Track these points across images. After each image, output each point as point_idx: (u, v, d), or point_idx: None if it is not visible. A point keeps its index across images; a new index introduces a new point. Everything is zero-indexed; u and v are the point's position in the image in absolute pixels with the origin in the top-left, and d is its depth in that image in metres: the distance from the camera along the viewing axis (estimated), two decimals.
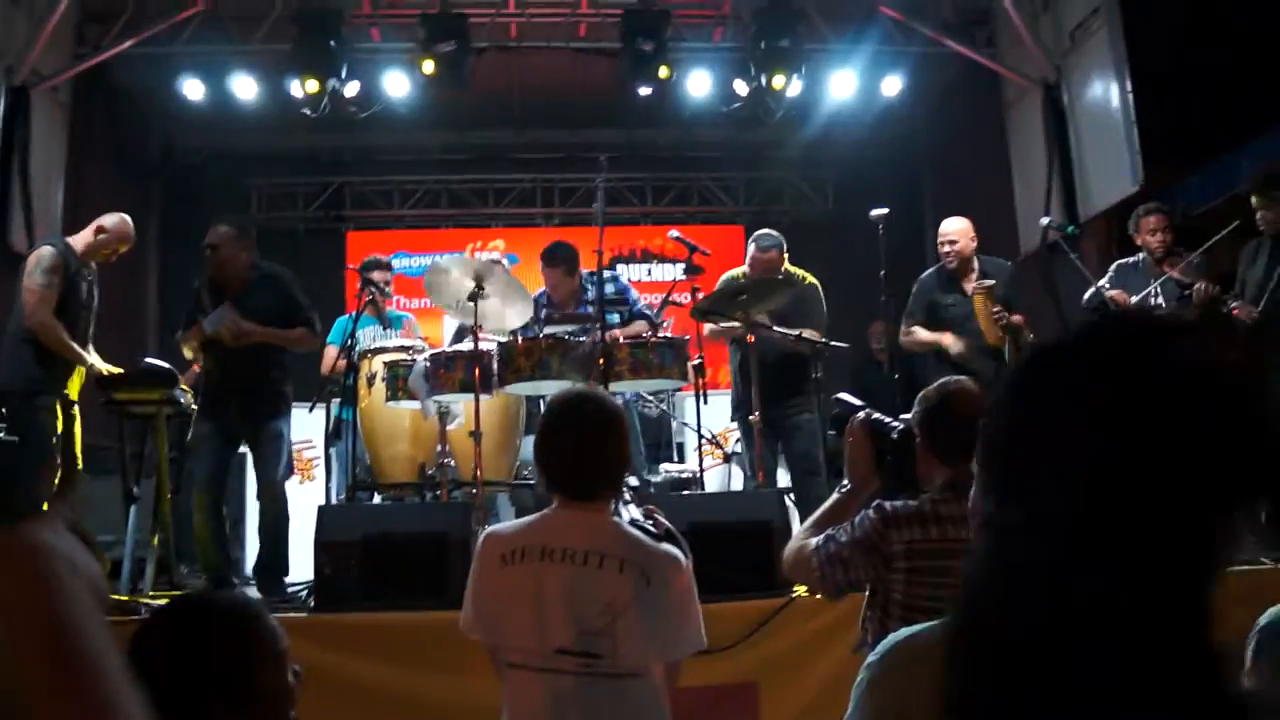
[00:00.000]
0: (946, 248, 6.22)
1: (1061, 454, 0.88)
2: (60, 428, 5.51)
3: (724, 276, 6.25)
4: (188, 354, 5.85)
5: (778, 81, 8.87)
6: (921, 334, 6.20)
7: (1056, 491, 0.87)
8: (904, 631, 1.54)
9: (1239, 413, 0.84)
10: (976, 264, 6.26)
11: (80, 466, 5.76)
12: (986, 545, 0.95)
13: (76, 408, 5.70)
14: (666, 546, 2.61)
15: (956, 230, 6.25)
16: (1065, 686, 0.83)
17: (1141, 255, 6.34)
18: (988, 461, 1.00)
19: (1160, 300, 6.04)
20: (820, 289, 6.26)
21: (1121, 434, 0.84)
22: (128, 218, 5.84)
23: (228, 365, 5.52)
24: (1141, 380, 0.86)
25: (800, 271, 6.29)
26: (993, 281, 6.00)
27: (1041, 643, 0.85)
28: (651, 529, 2.68)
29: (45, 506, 5.18)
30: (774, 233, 6.28)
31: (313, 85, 8.50)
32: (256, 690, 1.81)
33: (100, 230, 5.71)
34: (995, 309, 5.90)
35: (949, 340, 6.08)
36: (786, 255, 6.19)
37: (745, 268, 6.22)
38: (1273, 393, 0.86)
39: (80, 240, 5.69)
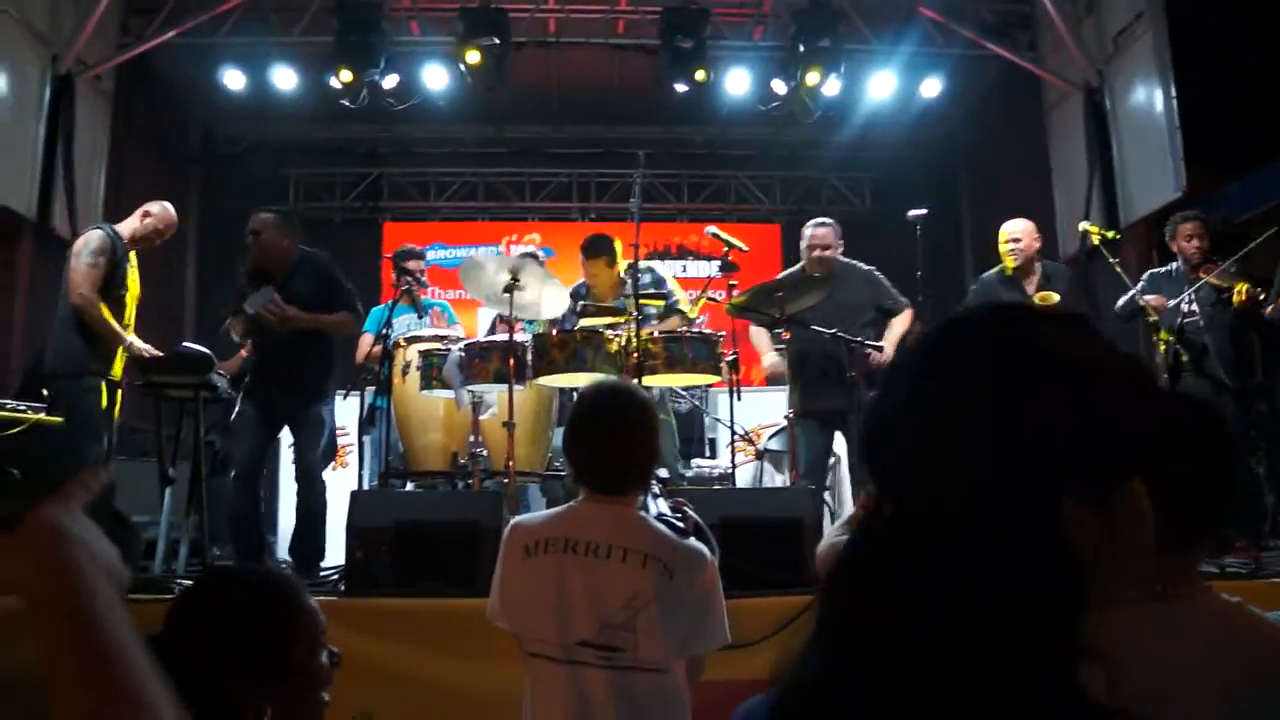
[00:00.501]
0: (1010, 246, 6.18)
1: (935, 437, 0.88)
2: (104, 408, 5.58)
3: (782, 274, 6.24)
4: (235, 338, 5.90)
5: (815, 80, 8.85)
6: None
7: (935, 475, 0.88)
8: None
9: (1090, 397, 0.86)
10: (1039, 266, 6.23)
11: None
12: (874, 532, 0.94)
13: (120, 391, 5.77)
14: (692, 541, 2.61)
15: (1021, 230, 6.22)
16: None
17: (1175, 264, 6.30)
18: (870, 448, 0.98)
19: (1194, 306, 5.99)
20: (879, 276, 6.22)
21: (990, 414, 0.86)
22: (170, 206, 5.93)
23: (272, 349, 5.58)
24: (1008, 363, 0.89)
25: (857, 263, 6.26)
26: (1057, 298, 5.96)
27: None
28: (679, 523, 2.68)
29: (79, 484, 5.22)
30: (829, 219, 6.28)
31: (347, 75, 8.55)
32: (286, 666, 1.79)
33: (146, 216, 5.80)
34: None
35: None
36: (841, 244, 6.17)
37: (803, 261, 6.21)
38: (1129, 385, 0.89)
39: (126, 227, 5.77)
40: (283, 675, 1.81)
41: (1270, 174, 7.11)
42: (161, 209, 5.86)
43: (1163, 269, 6.39)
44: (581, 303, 5.91)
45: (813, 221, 6.26)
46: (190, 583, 2.03)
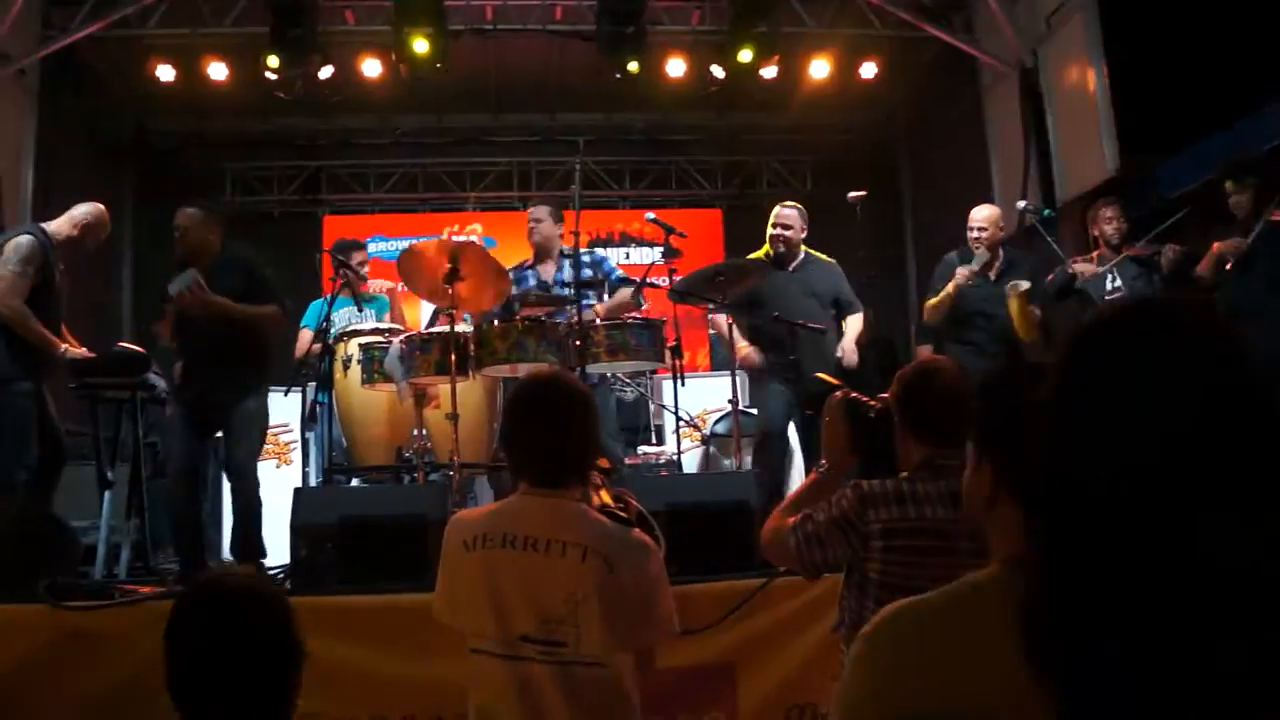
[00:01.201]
0: (976, 234, 6.22)
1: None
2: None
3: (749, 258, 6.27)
4: (163, 341, 5.77)
5: (748, 59, 8.87)
6: (936, 299, 6.21)
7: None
8: (902, 602, 1.53)
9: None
10: (1001, 252, 6.30)
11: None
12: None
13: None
14: (634, 533, 2.59)
15: (985, 218, 6.26)
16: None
17: (1095, 254, 6.37)
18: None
19: (1119, 282, 6.09)
20: (839, 269, 6.28)
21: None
22: (102, 207, 5.74)
23: (196, 347, 5.45)
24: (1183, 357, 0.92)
25: (818, 254, 6.29)
26: (1028, 285, 6.02)
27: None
28: (622, 514, 2.66)
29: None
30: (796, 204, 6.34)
31: (274, 61, 8.39)
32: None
33: (76, 223, 5.60)
34: (1030, 307, 5.95)
35: (958, 272, 6.10)
36: (805, 229, 6.21)
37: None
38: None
39: (56, 229, 5.59)
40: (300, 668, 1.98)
41: (1202, 151, 7.20)
42: (90, 211, 5.65)
43: (1083, 258, 6.49)
44: (524, 291, 5.87)
45: (783, 204, 6.33)
46: (189, 591, 2.10)
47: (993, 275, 6.20)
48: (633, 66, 8.79)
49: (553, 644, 2.41)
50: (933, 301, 6.21)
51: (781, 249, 6.08)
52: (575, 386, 2.73)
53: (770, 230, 6.16)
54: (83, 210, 5.66)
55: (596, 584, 2.43)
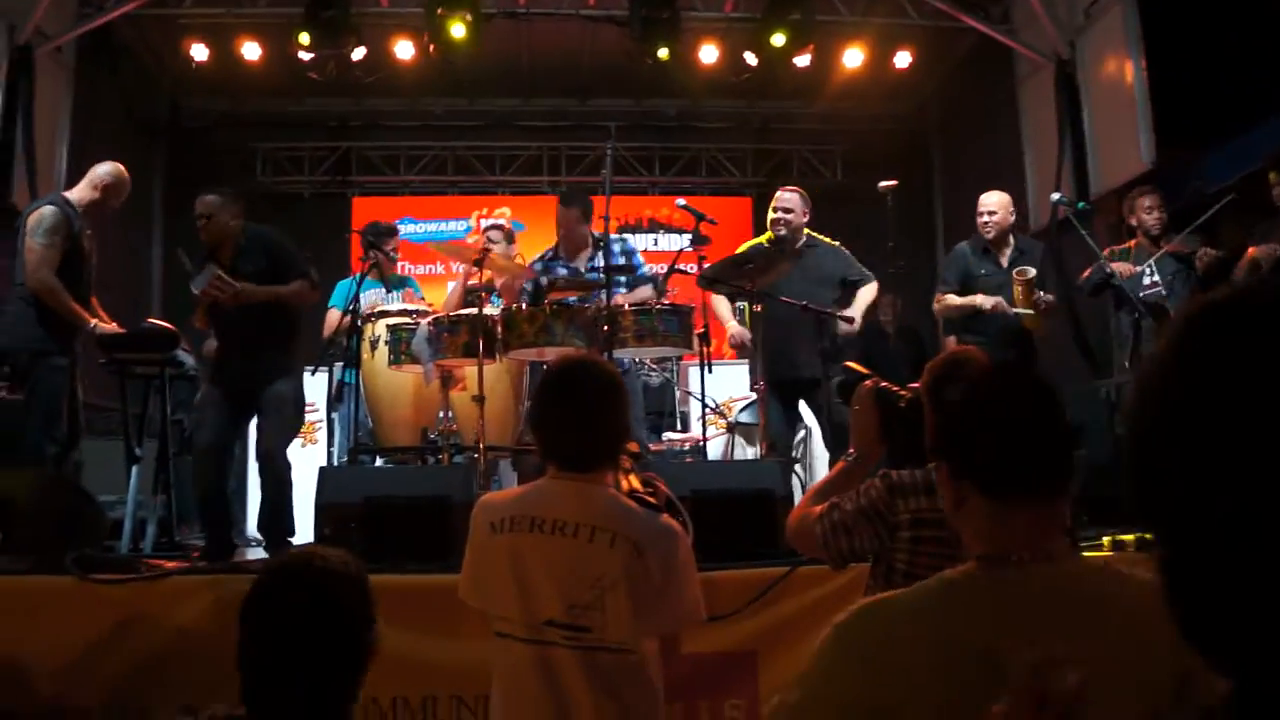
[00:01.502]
0: (986, 218, 6.22)
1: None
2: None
3: (745, 245, 6.22)
4: (200, 325, 5.79)
5: (781, 42, 8.81)
6: (953, 299, 6.18)
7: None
8: (878, 596, 1.55)
9: None
10: (1013, 239, 6.25)
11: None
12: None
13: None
14: (663, 519, 2.56)
15: (996, 202, 6.26)
16: None
17: (1133, 242, 6.32)
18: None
19: (1156, 278, 6.03)
20: (846, 252, 6.21)
21: None
22: (120, 166, 5.74)
23: (229, 330, 5.48)
24: None
25: (821, 237, 6.25)
26: (1034, 273, 5.97)
27: None
28: (651, 500, 2.64)
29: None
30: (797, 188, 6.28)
31: (305, 39, 8.38)
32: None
33: (96, 184, 5.63)
34: (1036, 294, 5.90)
35: (981, 299, 6.06)
36: (807, 213, 6.15)
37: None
38: None
39: (79, 195, 5.61)
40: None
41: (1241, 146, 7.10)
42: (109, 170, 5.66)
43: (1120, 246, 6.43)
44: (549, 278, 5.86)
45: (783, 188, 6.28)
46: (274, 568, 2.14)
47: (1004, 261, 6.15)
48: (664, 52, 8.74)
49: (578, 629, 2.39)
50: (956, 302, 6.15)
51: (783, 232, 6.02)
52: (607, 370, 2.70)
53: (771, 214, 6.11)
54: (102, 170, 5.67)
55: (624, 569, 2.41)
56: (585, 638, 2.39)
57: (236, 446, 5.70)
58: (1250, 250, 5.60)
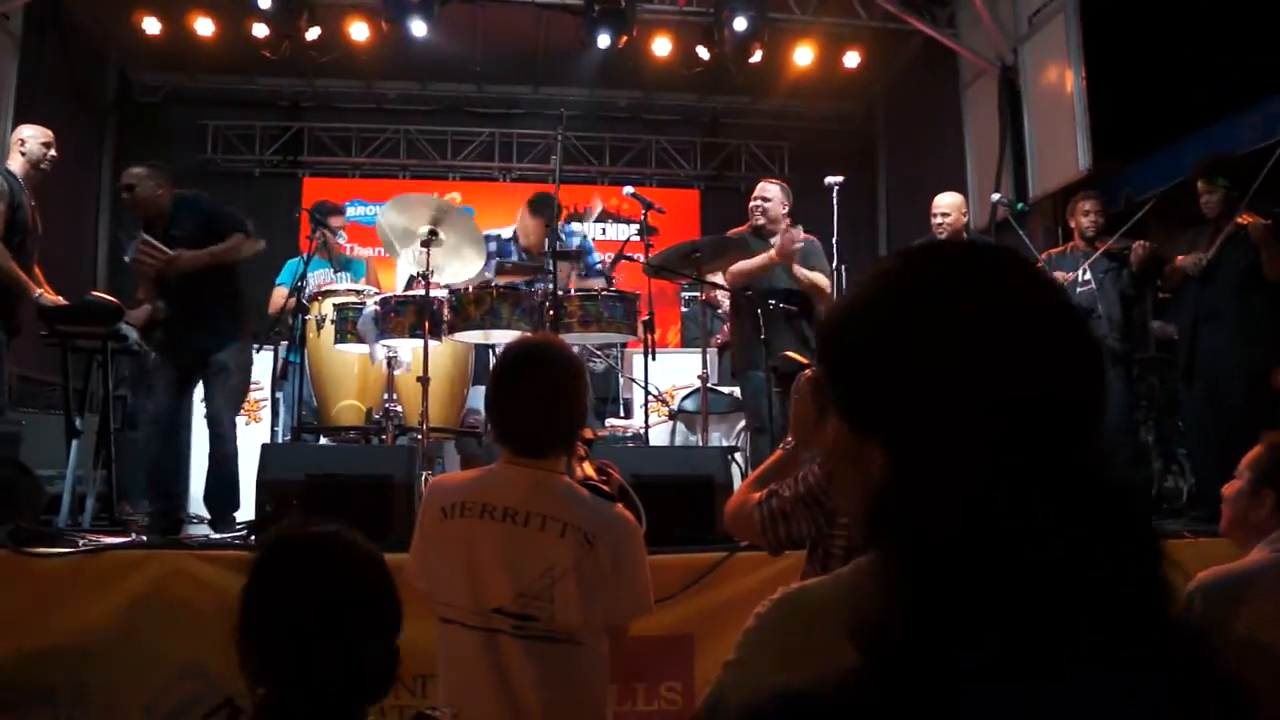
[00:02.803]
0: (939, 219, 6.30)
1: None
2: None
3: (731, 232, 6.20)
4: (148, 302, 5.69)
5: (744, 44, 8.83)
6: None
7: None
8: (796, 584, 1.54)
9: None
10: (965, 238, 6.29)
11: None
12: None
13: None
14: (616, 509, 2.50)
15: (949, 204, 6.35)
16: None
17: (1070, 245, 6.42)
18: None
19: (1088, 275, 6.12)
20: (819, 244, 6.21)
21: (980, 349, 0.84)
22: (39, 126, 5.66)
23: (172, 299, 5.41)
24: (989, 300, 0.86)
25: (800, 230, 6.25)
26: None
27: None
28: (605, 488, 2.59)
29: None
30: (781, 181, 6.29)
31: (263, 30, 8.24)
32: None
33: (21, 145, 5.52)
34: None
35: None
36: (788, 205, 6.15)
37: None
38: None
39: (14, 162, 5.50)
40: None
41: (1172, 155, 7.27)
42: (34, 132, 5.59)
43: (1058, 249, 6.53)
44: (497, 260, 5.82)
45: (764, 181, 6.31)
46: (284, 541, 1.87)
47: None
48: (612, 41, 8.73)
49: (526, 618, 2.33)
50: None
51: (761, 221, 6.03)
52: (567, 353, 2.59)
53: (751, 202, 6.12)
54: (22, 133, 5.59)
55: (575, 559, 2.35)
56: (533, 626, 2.33)
57: (188, 416, 5.61)
58: (1178, 259, 5.72)
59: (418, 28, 8.54)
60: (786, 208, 6.14)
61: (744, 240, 5.89)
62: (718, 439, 6.57)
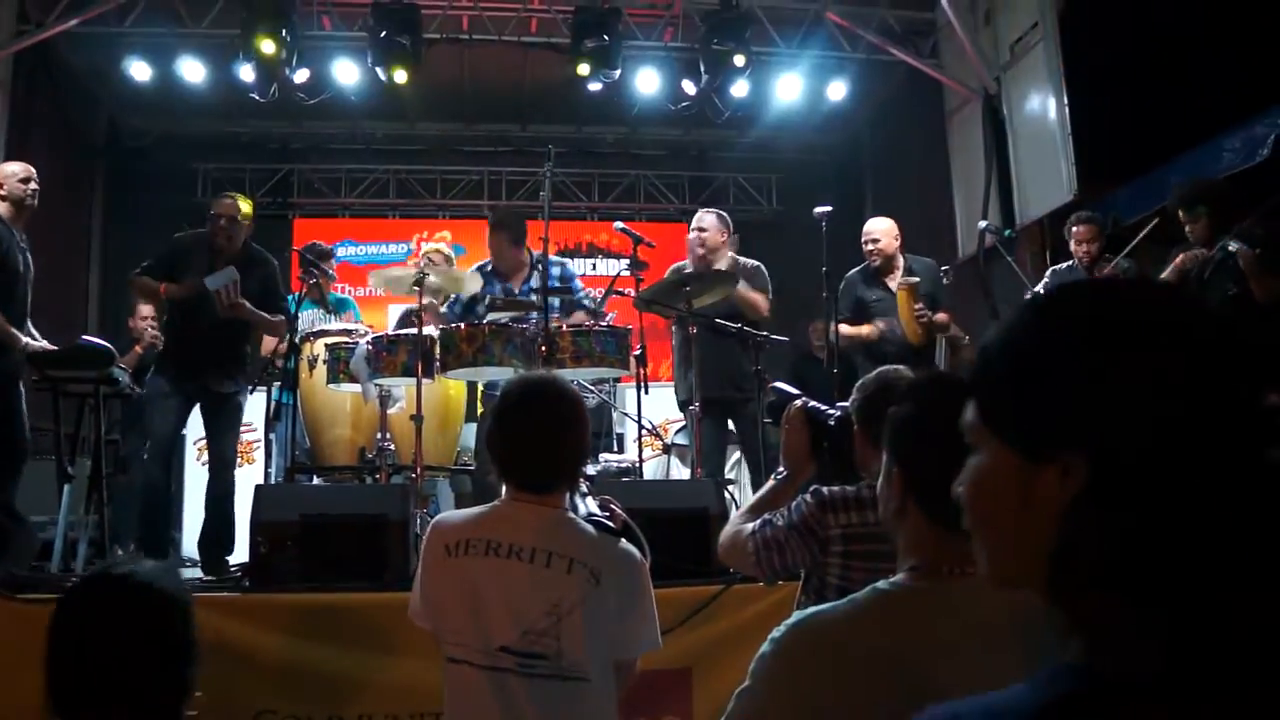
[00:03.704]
0: (870, 245, 6.29)
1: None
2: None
3: (671, 268, 6.21)
4: (142, 303, 5.73)
5: (725, 83, 8.90)
6: (846, 329, 6.20)
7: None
8: (812, 609, 1.56)
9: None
10: (902, 261, 6.32)
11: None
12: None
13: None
14: (621, 543, 2.50)
15: (880, 229, 6.34)
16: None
17: (1072, 262, 6.44)
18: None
19: None
20: (764, 270, 6.23)
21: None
22: (12, 163, 5.65)
23: (203, 330, 5.45)
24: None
25: (744, 259, 6.27)
26: (916, 279, 6.07)
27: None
28: (609, 522, 2.59)
29: None
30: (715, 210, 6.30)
31: (269, 47, 8.26)
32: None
33: (3, 184, 5.43)
34: (917, 305, 5.95)
35: (867, 330, 6.14)
36: (728, 236, 6.17)
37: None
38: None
39: (3, 209, 5.45)
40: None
41: (1156, 179, 7.30)
42: (8, 168, 5.52)
43: (1063, 265, 6.55)
44: (490, 297, 5.82)
45: (701, 211, 6.31)
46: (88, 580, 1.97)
47: (893, 286, 6.21)
48: (599, 78, 8.81)
49: (532, 656, 2.31)
50: (847, 332, 6.15)
51: (699, 250, 6.05)
52: (569, 390, 2.60)
53: (689, 235, 6.14)
54: (5, 169, 5.54)
55: (581, 595, 2.34)
56: (539, 665, 2.31)
57: (183, 448, 5.68)
58: (1179, 257, 5.71)
59: (399, 76, 8.60)
60: (725, 235, 6.16)
61: (731, 274, 5.90)
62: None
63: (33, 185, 5.50)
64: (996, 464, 0.92)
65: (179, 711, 1.80)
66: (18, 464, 5.31)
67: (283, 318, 5.66)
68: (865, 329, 6.13)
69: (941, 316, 6.08)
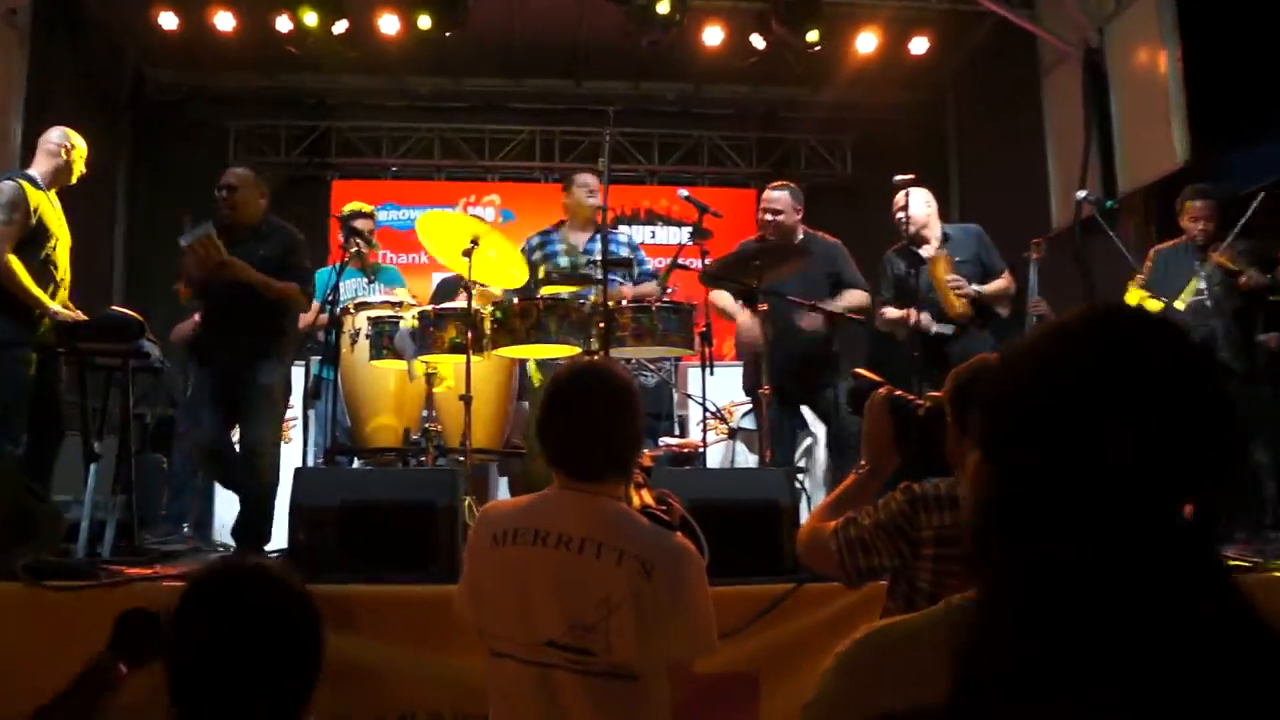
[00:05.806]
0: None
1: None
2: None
3: (740, 244, 6.18)
4: (182, 301, 5.83)
5: (797, 36, 8.81)
6: (890, 313, 6.15)
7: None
8: (883, 621, 1.54)
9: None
10: (939, 231, 6.20)
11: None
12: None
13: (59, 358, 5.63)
14: (676, 537, 2.52)
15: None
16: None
17: (1184, 238, 6.33)
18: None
19: (1202, 284, 6.04)
20: (843, 248, 6.18)
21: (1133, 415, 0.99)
22: (69, 130, 5.77)
23: (218, 312, 5.52)
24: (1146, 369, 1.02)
25: (818, 233, 6.23)
26: (944, 253, 5.95)
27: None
28: (665, 517, 2.60)
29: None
30: (787, 183, 6.24)
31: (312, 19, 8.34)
32: None
33: (52, 150, 5.62)
34: (949, 277, 5.86)
35: (911, 316, 6.01)
36: (800, 210, 6.12)
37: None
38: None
39: (40, 169, 5.60)
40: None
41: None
42: (61, 133, 5.71)
43: (1170, 244, 6.42)
44: (545, 268, 5.84)
45: (771, 184, 6.26)
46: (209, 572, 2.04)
47: (930, 252, 6.12)
48: (663, 31, 8.75)
49: (580, 651, 2.35)
50: (889, 316, 6.14)
51: (772, 236, 6.01)
52: (621, 375, 2.65)
53: (759, 215, 6.09)
54: (54, 136, 5.69)
55: (631, 590, 2.36)
56: (588, 661, 2.34)
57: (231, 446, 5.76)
58: None
59: (423, 22, 8.67)
60: (799, 212, 6.10)
61: (802, 248, 5.86)
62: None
63: (83, 164, 5.78)
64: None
65: (300, 713, 1.88)
66: (54, 443, 5.44)
67: (292, 284, 5.60)
68: (905, 314, 6.01)
69: (992, 285, 5.98)
